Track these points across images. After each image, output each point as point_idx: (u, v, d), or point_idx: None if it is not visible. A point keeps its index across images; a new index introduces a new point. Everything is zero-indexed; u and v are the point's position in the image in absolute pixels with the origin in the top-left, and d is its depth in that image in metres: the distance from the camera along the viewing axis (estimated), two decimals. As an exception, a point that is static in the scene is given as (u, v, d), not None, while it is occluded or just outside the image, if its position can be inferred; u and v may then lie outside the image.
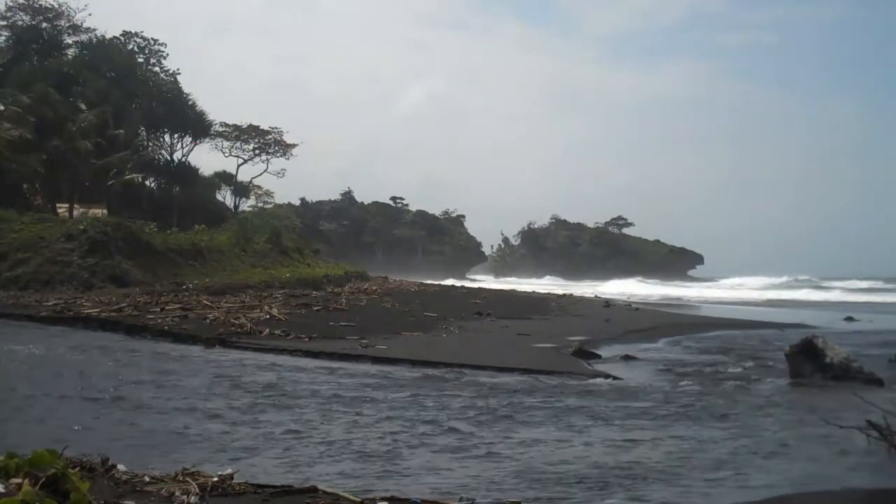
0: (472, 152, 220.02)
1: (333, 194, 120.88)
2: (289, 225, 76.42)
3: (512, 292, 53.08)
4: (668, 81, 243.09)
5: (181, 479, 5.94)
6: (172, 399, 12.75)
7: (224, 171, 72.91)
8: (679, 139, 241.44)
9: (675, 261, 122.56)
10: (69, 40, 61.30)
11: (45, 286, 29.35)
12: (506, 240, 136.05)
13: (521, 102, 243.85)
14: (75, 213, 45.58)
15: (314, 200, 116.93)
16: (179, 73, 65.25)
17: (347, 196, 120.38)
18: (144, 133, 61.56)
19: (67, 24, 60.43)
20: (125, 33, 63.23)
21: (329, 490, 6.26)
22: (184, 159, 65.45)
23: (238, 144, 72.98)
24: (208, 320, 23.38)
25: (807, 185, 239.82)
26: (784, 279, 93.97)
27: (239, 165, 73.86)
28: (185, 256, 35.63)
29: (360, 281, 46.53)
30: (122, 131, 51.99)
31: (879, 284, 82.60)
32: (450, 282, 67.35)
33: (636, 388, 15.36)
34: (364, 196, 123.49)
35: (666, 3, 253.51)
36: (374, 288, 42.57)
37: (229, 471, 6.31)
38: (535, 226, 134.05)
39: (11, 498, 4.17)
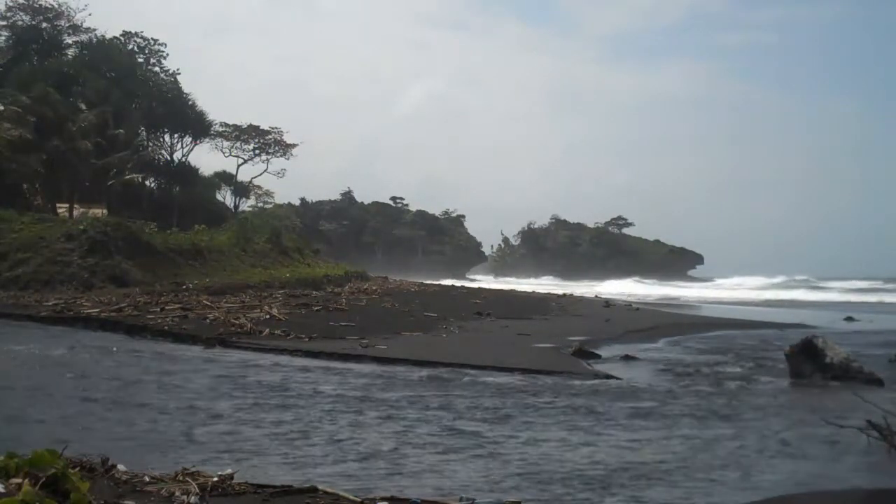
0: (472, 152, 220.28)
1: (333, 194, 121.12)
2: (289, 225, 76.40)
3: (512, 292, 53.08)
4: (668, 81, 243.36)
5: (181, 479, 5.95)
6: (172, 399, 12.75)
7: (224, 171, 72.96)
8: (679, 139, 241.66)
9: (675, 261, 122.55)
10: (69, 40, 61.33)
11: (45, 286, 29.35)
12: (506, 240, 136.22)
13: (521, 102, 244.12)
14: (75, 213, 45.58)
15: (314, 200, 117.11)
16: (179, 73, 65.33)
17: (347, 196, 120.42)
18: (144, 133, 61.53)
19: (67, 24, 60.42)
20: (125, 33, 63.28)
21: (329, 490, 6.26)
22: (184, 159, 65.54)
23: (238, 144, 72.98)
24: (208, 320, 23.38)
25: (807, 185, 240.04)
26: (781, 279, 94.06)
27: (239, 165, 73.96)
28: (185, 256, 35.63)
29: (360, 281, 46.53)
30: (122, 131, 51.97)
31: (879, 284, 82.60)
32: (450, 282, 67.32)
33: (636, 389, 15.35)
34: (364, 196, 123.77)
35: (666, 3, 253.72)
36: (374, 288, 42.57)
37: (229, 471, 6.31)
38: (535, 226, 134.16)
39: (11, 498, 4.17)
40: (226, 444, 9.81)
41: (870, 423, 10.60)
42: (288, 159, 75.41)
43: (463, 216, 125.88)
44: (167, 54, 64.47)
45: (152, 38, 63.73)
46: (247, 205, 79.20)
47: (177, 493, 5.52)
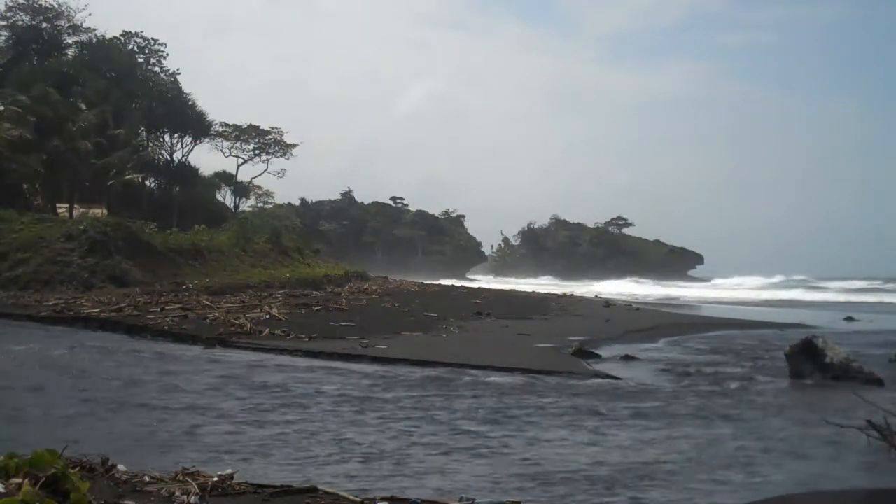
0: (472, 152, 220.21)
1: (333, 194, 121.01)
2: (289, 225, 76.39)
3: (512, 292, 53.09)
4: (668, 81, 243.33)
5: (181, 479, 5.95)
6: (172, 399, 12.75)
7: (224, 171, 72.90)
8: (679, 139, 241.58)
9: (675, 261, 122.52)
10: (69, 40, 61.27)
11: (45, 286, 29.35)
12: (506, 240, 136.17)
13: (521, 102, 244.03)
14: (75, 213, 45.58)
15: (314, 200, 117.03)
16: (179, 73, 65.25)
17: (347, 196, 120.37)
18: (144, 133, 61.51)
19: (67, 24, 60.37)
20: (125, 33, 63.22)
21: (329, 490, 6.27)
22: (184, 159, 65.49)
23: (238, 144, 72.93)
24: (208, 320, 23.38)
25: (807, 185, 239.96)
26: (779, 279, 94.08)
27: (239, 165, 73.91)
28: (185, 256, 35.63)
29: (360, 281, 46.53)
30: (122, 131, 51.97)
31: (879, 284, 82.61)
32: (450, 282, 67.32)
33: (637, 389, 15.35)
34: (364, 196, 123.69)
35: (666, 3, 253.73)
36: (374, 288, 42.57)
37: (229, 471, 6.31)
38: (535, 226, 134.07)
39: (11, 498, 4.17)
40: (227, 445, 9.80)
41: (870, 423, 10.60)
42: (288, 159, 75.45)
43: (463, 216, 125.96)
44: (167, 54, 64.51)
45: (152, 38, 63.76)
46: (247, 205, 79.26)
47: (177, 493, 5.52)
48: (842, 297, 65.57)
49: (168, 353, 18.56)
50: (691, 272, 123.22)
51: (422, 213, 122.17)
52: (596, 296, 55.71)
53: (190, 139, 65.74)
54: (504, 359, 18.50)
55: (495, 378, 16.06)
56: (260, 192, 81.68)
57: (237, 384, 14.43)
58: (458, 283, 68.70)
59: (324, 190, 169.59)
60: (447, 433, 10.85)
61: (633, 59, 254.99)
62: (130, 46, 63.01)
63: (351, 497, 6.06)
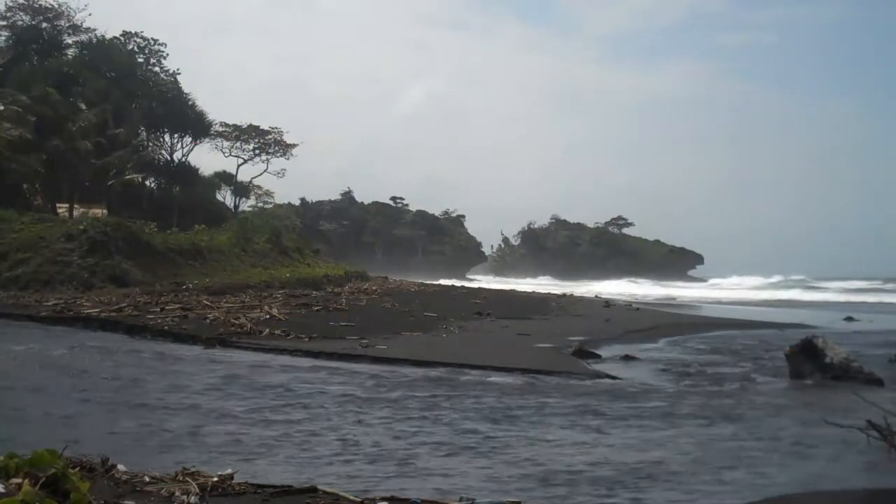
0: (472, 152, 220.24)
1: (333, 194, 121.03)
2: (289, 225, 76.38)
3: (512, 292, 53.09)
4: (668, 81, 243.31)
5: (181, 479, 5.94)
6: (172, 399, 12.74)
7: (224, 171, 72.89)
8: (679, 139, 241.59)
9: (674, 261, 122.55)
10: (69, 40, 61.23)
11: (45, 286, 29.34)
12: (506, 240, 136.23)
13: (521, 102, 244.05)
14: (75, 213, 45.56)
15: (314, 200, 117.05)
16: (179, 73, 65.22)
17: (347, 196, 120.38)
18: (144, 133, 61.50)
19: (67, 24, 60.36)
20: (125, 33, 63.20)
21: (329, 490, 6.26)
22: (184, 159, 65.48)
23: (238, 144, 72.92)
24: (208, 320, 23.38)
25: (807, 185, 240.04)
26: (777, 279, 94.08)
27: (239, 165, 73.90)
28: (185, 256, 35.62)
29: (360, 281, 46.52)
30: (122, 131, 51.95)
31: (879, 284, 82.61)
32: (450, 282, 67.33)
33: (637, 389, 15.35)
34: (364, 196, 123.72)
35: (666, 3, 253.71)
36: (374, 288, 42.57)
37: (229, 471, 6.30)
38: (535, 226, 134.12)
39: (11, 498, 4.17)
40: (228, 445, 9.80)
41: (870, 423, 10.60)
42: (288, 159, 75.44)
43: (463, 216, 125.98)
44: (167, 54, 64.50)
45: (152, 38, 63.75)
46: (247, 205, 79.24)
47: (177, 493, 5.51)
48: (841, 297, 65.60)
49: (168, 353, 18.55)
50: (691, 272, 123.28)
51: (422, 213, 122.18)
52: (596, 296, 55.72)
53: (190, 139, 65.79)
54: (504, 359, 18.50)
55: (495, 378, 16.06)
56: (260, 192, 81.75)
57: (238, 384, 14.42)
58: (458, 283, 68.72)
59: (324, 190, 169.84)
60: (450, 433, 10.84)
61: (633, 59, 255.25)
62: (130, 46, 63.01)
63: (351, 497, 6.06)
